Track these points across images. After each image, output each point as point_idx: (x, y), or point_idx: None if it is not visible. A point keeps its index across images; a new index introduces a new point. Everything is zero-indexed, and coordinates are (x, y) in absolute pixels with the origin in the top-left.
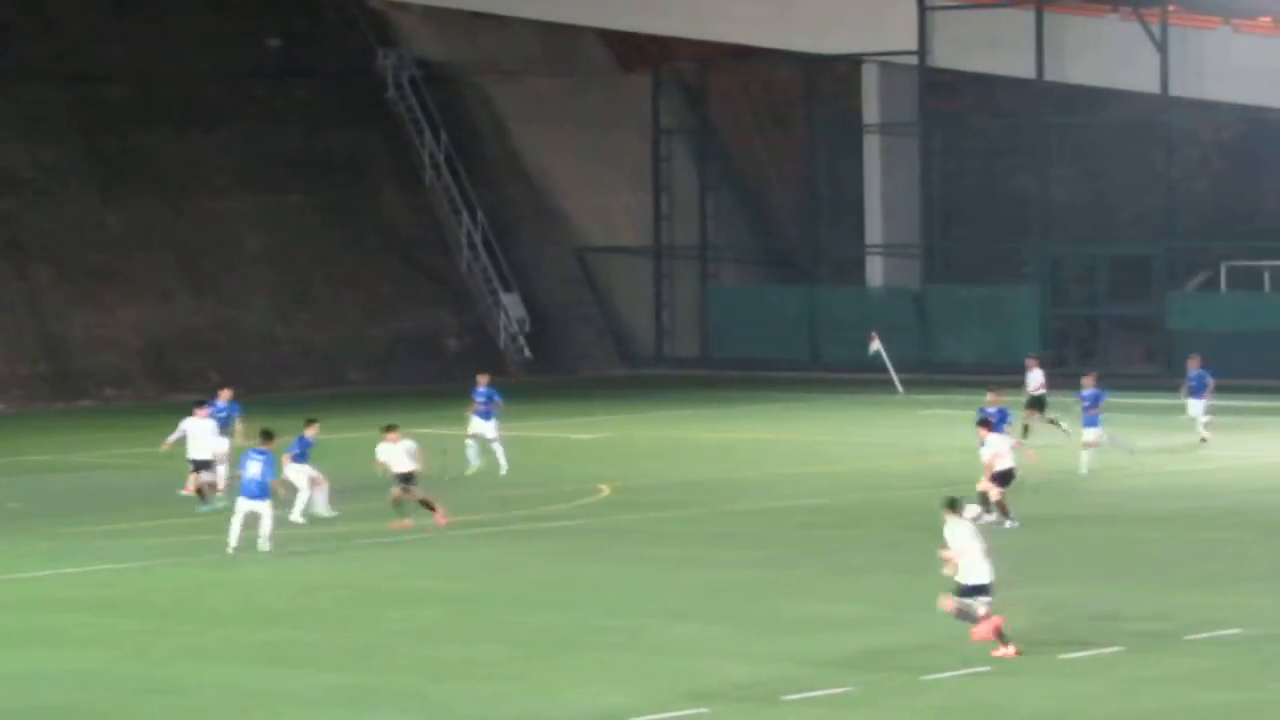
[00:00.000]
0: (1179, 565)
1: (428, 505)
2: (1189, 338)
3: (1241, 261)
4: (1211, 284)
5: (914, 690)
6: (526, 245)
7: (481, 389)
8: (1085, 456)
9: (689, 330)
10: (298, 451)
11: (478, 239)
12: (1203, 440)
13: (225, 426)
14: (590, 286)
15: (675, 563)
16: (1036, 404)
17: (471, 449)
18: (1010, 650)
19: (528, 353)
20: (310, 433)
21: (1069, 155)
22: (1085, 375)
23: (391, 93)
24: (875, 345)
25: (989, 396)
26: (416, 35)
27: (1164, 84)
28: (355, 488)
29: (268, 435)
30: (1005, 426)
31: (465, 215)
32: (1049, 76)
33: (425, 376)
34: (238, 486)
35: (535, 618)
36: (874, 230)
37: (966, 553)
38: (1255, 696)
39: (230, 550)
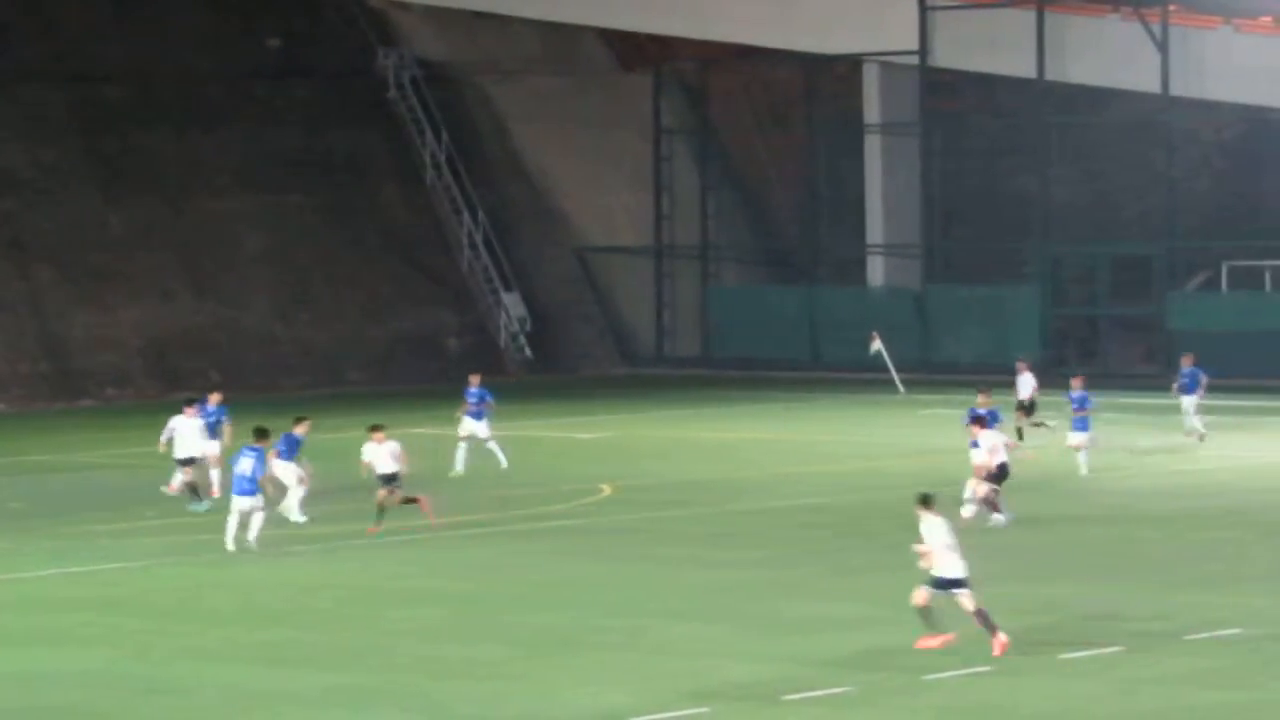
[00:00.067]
0: (1179, 565)
1: (411, 501)
2: (1190, 338)
3: (1242, 261)
4: (1212, 284)
5: (914, 690)
6: (527, 245)
7: (473, 389)
8: (1082, 458)
9: (690, 330)
10: (284, 449)
11: (478, 239)
12: (1200, 438)
13: (214, 430)
14: (591, 286)
15: (676, 562)
16: (1026, 407)
17: (461, 451)
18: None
19: (528, 352)
20: (299, 431)
21: (1070, 155)
22: (1074, 377)
23: (392, 92)
24: (876, 345)
25: (980, 399)
26: (417, 35)
27: (1165, 84)
28: (355, 487)
29: (261, 433)
30: (996, 426)
31: (466, 215)
32: (1050, 76)
33: (426, 376)
34: (231, 488)
35: (535, 617)
36: (874, 230)
37: (939, 548)
38: (1255, 696)
39: (229, 548)
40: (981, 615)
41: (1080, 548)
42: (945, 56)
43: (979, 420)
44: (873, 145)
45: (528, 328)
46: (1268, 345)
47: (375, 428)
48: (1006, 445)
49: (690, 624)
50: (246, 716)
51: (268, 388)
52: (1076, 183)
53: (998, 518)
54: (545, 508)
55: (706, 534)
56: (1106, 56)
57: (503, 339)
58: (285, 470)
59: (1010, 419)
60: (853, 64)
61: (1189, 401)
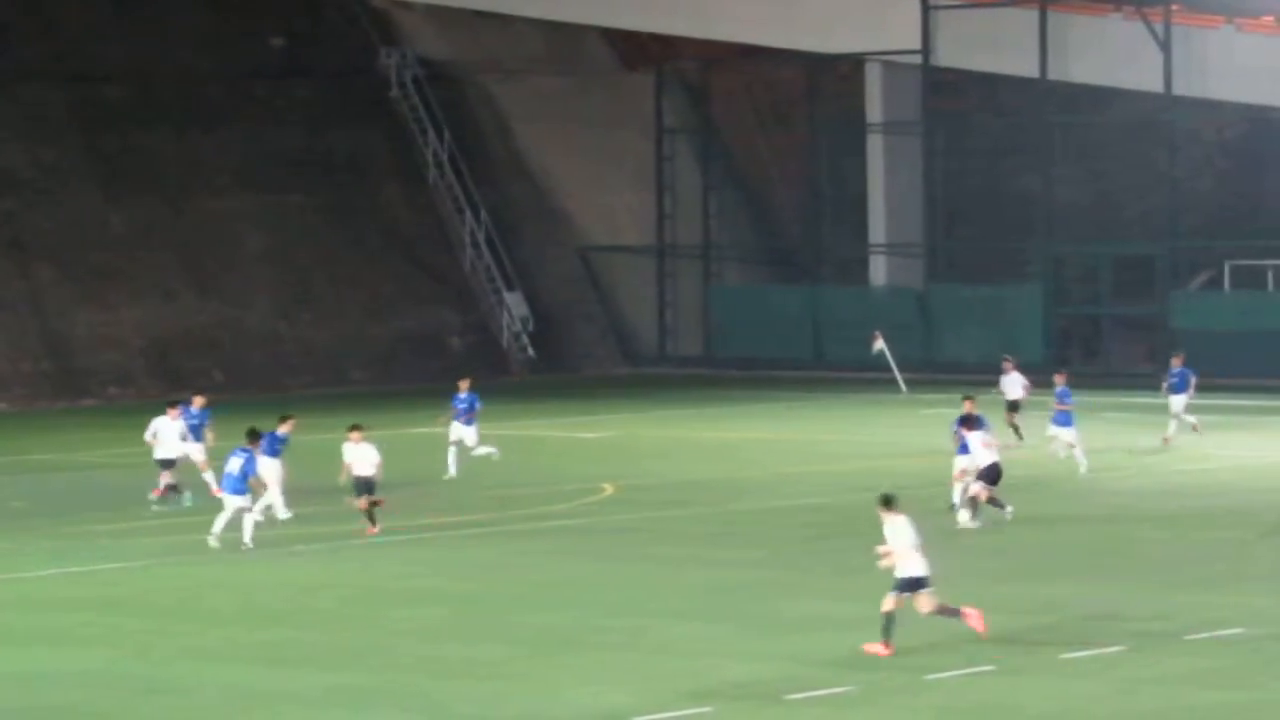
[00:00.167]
0: (1181, 565)
1: (372, 505)
2: (1192, 337)
3: (1245, 261)
4: (1215, 283)
5: (915, 689)
6: (529, 244)
7: (463, 394)
8: (1079, 455)
9: (692, 329)
10: (267, 447)
11: (480, 238)
12: (1165, 441)
13: (197, 433)
14: (593, 286)
15: (678, 562)
16: (1013, 407)
17: (453, 454)
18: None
19: (531, 352)
20: (283, 429)
21: (1072, 154)
22: (1057, 373)
23: (394, 92)
24: (878, 344)
25: (966, 405)
26: (419, 34)
27: (1167, 83)
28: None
29: (253, 434)
30: (984, 430)
31: (468, 214)
32: (1052, 76)
33: (428, 376)
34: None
35: (537, 617)
36: (877, 230)
37: (903, 549)
38: (1257, 696)
39: (212, 545)
40: (942, 610)
41: (1081, 547)
42: (948, 56)
43: (968, 423)
44: (875, 145)
45: (530, 327)
46: (1270, 345)
47: (354, 427)
48: (990, 445)
49: (692, 623)
50: (247, 716)
51: (270, 387)
52: (1079, 182)
53: (1005, 512)
54: (547, 507)
55: (708, 533)
56: (1109, 56)
57: (505, 338)
58: (267, 468)
59: (998, 421)
60: (855, 63)
61: (1178, 402)
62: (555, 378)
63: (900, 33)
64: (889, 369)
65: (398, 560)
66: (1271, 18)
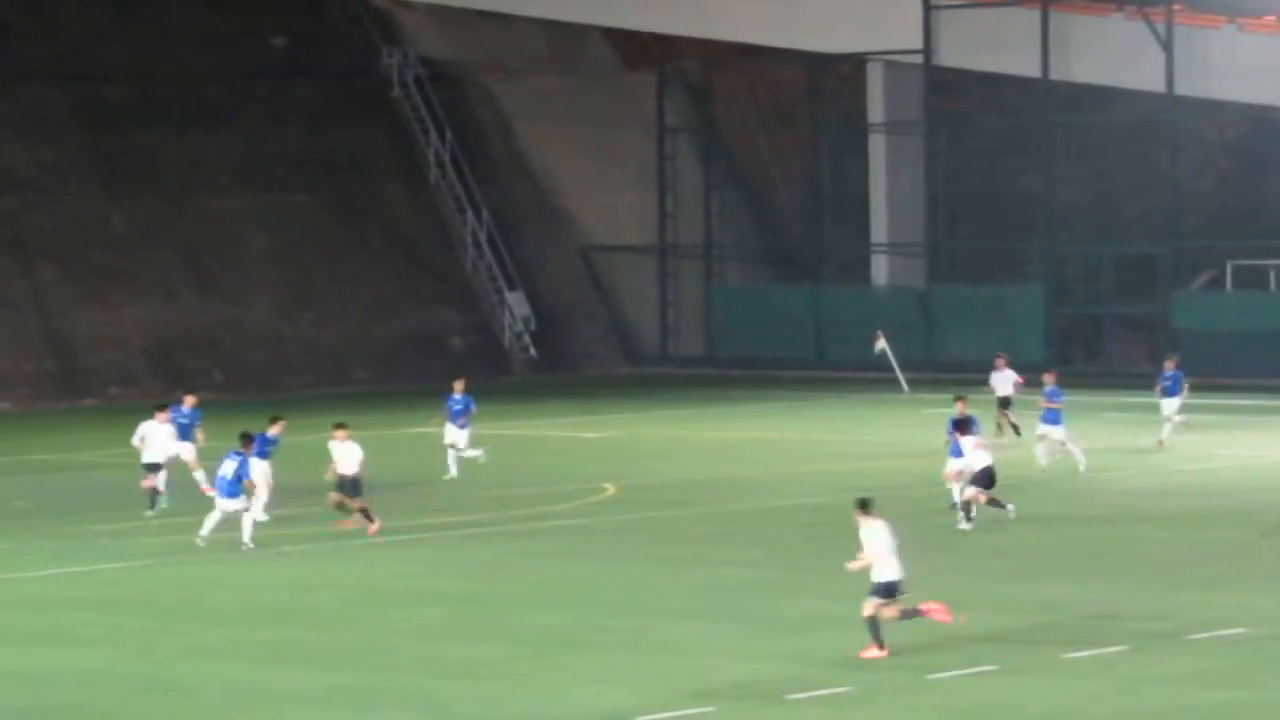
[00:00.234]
0: (1182, 565)
1: (343, 508)
2: (1194, 337)
3: (1247, 260)
4: (1217, 283)
5: (917, 689)
6: (531, 244)
7: (457, 396)
8: (1077, 453)
9: (694, 329)
10: (258, 449)
11: (482, 238)
12: (1160, 443)
13: (188, 432)
14: (595, 285)
15: (679, 562)
16: (1004, 404)
17: (451, 456)
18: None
19: (532, 351)
20: (273, 430)
21: (1074, 154)
22: (1047, 372)
23: (396, 91)
24: (880, 344)
25: (958, 406)
26: (421, 34)
27: (1169, 83)
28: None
29: (246, 438)
30: (975, 430)
31: (470, 214)
32: (1054, 76)
33: (430, 375)
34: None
35: (538, 617)
36: (879, 229)
37: (879, 553)
38: (1258, 696)
39: (199, 543)
40: (904, 614)
41: (1082, 547)
42: (949, 56)
43: (961, 426)
44: (877, 144)
45: (532, 327)
46: (1272, 345)
47: (339, 425)
48: (980, 447)
49: (693, 623)
50: (248, 716)
51: (272, 387)
52: (1081, 182)
53: (1007, 510)
54: (548, 507)
55: (709, 533)
56: (1111, 56)
57: (507, 338)
58: (257, 469)
59: (988, 419)
60: (857, 63)
61: (1170, 405)
62: (557, 377)
63: (902, 32)
64: (891, 369)
65: (398, 560)
66: (1273, 17)
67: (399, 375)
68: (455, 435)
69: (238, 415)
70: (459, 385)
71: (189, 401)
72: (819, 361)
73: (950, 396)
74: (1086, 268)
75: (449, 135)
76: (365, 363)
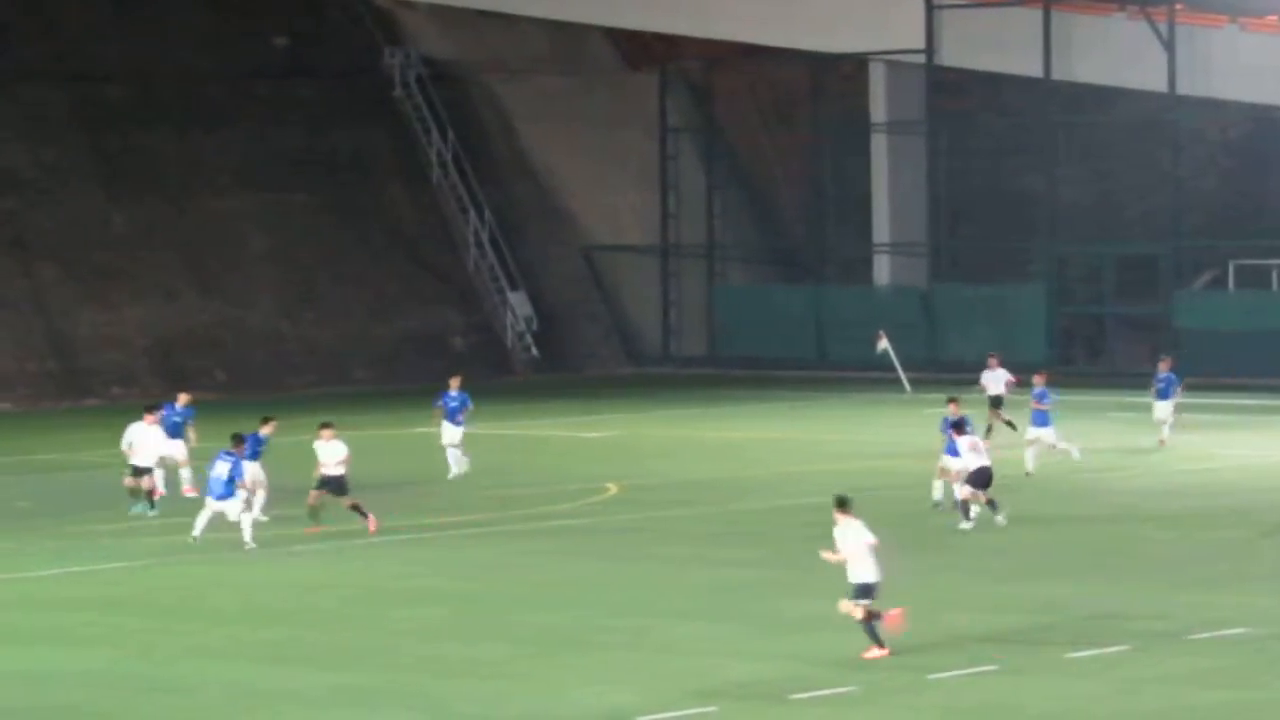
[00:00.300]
0: (1184, 565)
1: (315, 515)
2: (1196, 337)
3: (1249, 260)
4: (1219, 283)
5: (918, 689)
6: (533, 244)
7: (453, 393)
8: (1074, 452)
9: (696, 329)
10: (249, 449)
11: (484, 238)
12: (1161, 443)
13: (179, 430)
14: (597, 285)
15: (681, 562)
16: (996, 403)
17: (452, 455)
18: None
19: (534, 351)
20: (265, 431)
21: (1076, 154)
22: (1037, 374)
23: (398, 91)
24: (882, 344)
25: (951, 407)
26: (423, 34)
27: (1171, 83)
28: (358, 487)
29: (238, 439)
30: (968, 428)
31: (472, 214)
32: (1056, 75)
33: (431, 375)
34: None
35: (539, 617)
36: (881, 229)
37: (856, 551)
38: (1259, 696)
39: (192, 540)
40: (869, 616)
41: (1083, 547)
42: (951, 55)
43: (958, 427)
44: (879, 144)
45: (534, 327)
46: (1274, 344)
47: (324, 425)
48: (974, 448)
49: (695, 623)
50: (249, 715)
51: (273, 386)
52: (1083, 182)
53: (997, 519)
54: (550, 507)
55: (712, 533)
56: (1113, 56)
57: (509, 338)
58: (248, 470)
59: (979, 424)
60: (859, 63)
61: (1163, 408)
62: (559, 377)
63: (904, 32)
64: (893, 368)
65: (399, 560)
66: (1276, 17)
67: (400, 375)
68: (452, 434)
69: (238, 415)
70: (455, 382)
71: (182, 399)
72: (821, 361)
73: (949, 396)
74: (1088, 267)
75: (451, 135)
76: (367, 363)
